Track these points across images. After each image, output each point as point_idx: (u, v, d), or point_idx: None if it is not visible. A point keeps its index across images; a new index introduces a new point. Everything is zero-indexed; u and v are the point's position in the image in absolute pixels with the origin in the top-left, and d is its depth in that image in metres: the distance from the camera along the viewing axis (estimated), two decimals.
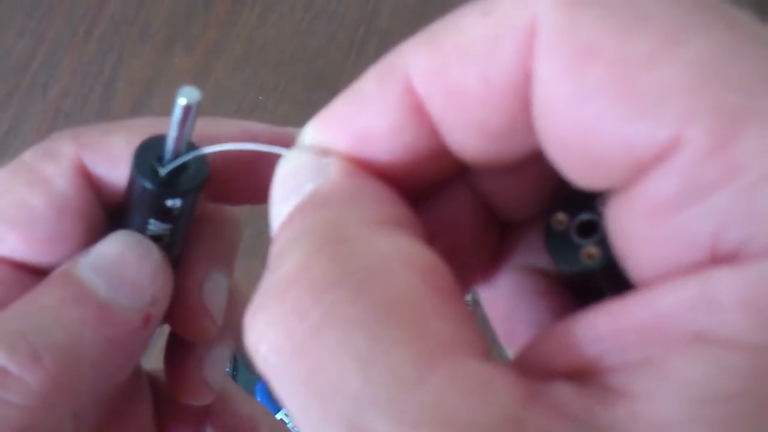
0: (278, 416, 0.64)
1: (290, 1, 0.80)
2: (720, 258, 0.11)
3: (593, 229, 0.15)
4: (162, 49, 0.79)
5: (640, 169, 0.11)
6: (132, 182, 0.19)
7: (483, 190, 0.16)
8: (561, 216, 0.15)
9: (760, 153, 0.10)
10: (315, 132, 0.15)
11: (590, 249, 0.14)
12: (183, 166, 0.19)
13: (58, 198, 0.19)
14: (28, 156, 0.20)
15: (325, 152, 0.15)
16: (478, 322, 0.12)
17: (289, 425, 0.64)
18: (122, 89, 0.78)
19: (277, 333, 0.12)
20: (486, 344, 0.12)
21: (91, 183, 0.20)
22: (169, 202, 0.19)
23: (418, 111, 0.14)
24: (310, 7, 0.79)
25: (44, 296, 0.18)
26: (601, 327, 0.11)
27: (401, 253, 0.13)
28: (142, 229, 0.20)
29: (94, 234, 0.20)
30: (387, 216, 0.14)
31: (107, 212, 0.20)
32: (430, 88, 0.14)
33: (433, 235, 0.14)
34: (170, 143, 0.18)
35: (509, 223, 0.17)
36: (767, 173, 0.10)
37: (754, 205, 0.10)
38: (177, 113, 0.17)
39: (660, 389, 0.10)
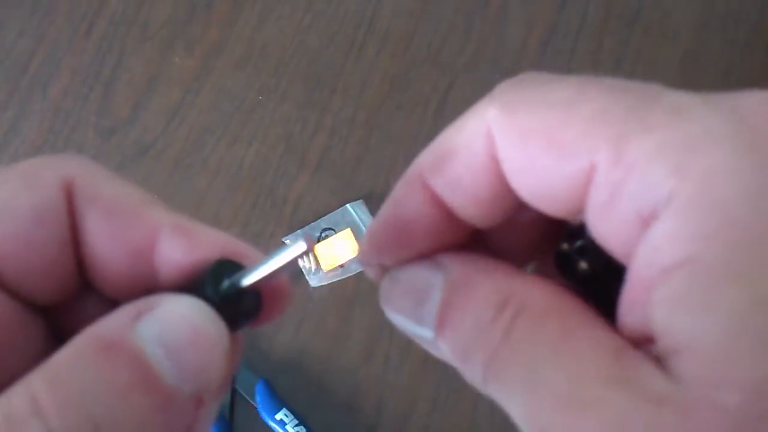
0: (278, 416, 0.64)
1: (290, 2, 0.80)
2: (646, 220, 0.17)
3: (585, 250, 0.21)
4: (162, 48, 0.79)
5: (581, 193, 0.18)
6: (195, 286, 0.20)
7: (495, 248, 0.23)
8: (565, 245, 0.22)
9: (640, 153, 0.16)
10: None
11: (581, 264, 0.21)
12: (242, 295, 0.20)
13: (44, 204, 0.20)
14: (26, 163, 0.20)
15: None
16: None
17: (288, 425, 0.64)
18: (122, 89, 0.78)
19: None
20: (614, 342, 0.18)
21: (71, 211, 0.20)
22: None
23: (435, 199, 0.20)
24: (310, 8, 0.79)
25: (110, 374, 0.17)
26: (625, 311, 0.18)
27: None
28: None
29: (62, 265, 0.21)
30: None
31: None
32: (437, 183, 0.20)
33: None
34: (257, 273, 0.19)
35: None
36: (647, 161, 0.16)
37: (647, 179, 0.16)
38: (287, 255, 0.19)
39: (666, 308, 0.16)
